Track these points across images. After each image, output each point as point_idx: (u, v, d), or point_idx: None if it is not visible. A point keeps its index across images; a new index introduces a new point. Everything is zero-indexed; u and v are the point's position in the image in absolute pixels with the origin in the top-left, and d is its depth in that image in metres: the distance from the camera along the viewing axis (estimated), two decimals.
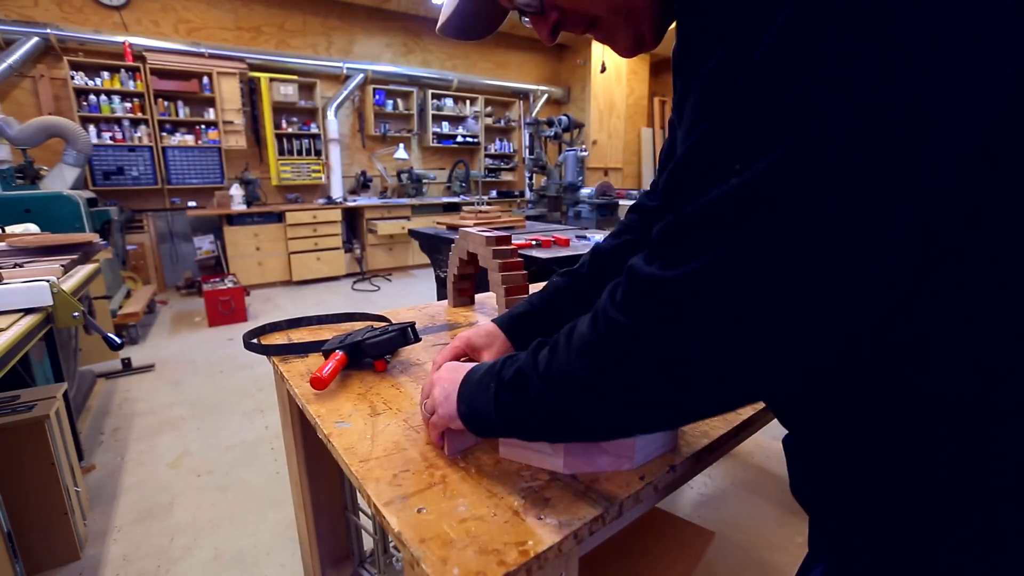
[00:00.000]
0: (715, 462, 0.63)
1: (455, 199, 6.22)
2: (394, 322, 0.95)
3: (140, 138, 4.62)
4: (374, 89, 5.83)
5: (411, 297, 4.83)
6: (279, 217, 5.06)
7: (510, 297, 0.96)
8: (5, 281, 1.22)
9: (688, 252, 0.33)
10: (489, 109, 6.93)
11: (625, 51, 0.49)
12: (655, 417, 0.40)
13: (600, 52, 6.98)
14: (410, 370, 0.83)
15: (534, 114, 7.25)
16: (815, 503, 0.46)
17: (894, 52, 0.26)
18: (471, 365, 0.58)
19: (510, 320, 0.76)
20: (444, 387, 0.57)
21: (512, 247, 1.02)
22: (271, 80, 5.13)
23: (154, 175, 4.70)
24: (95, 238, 1.90)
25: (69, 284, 1.43)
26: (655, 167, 8.15)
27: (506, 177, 7.28)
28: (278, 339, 0.99)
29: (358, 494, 1.14)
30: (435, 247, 2.79)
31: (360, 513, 1.16)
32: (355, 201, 5.73)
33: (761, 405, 0.71)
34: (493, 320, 0.77)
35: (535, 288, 1.41)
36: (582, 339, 0.41)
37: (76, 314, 1.26)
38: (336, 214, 5.38)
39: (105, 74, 4.45)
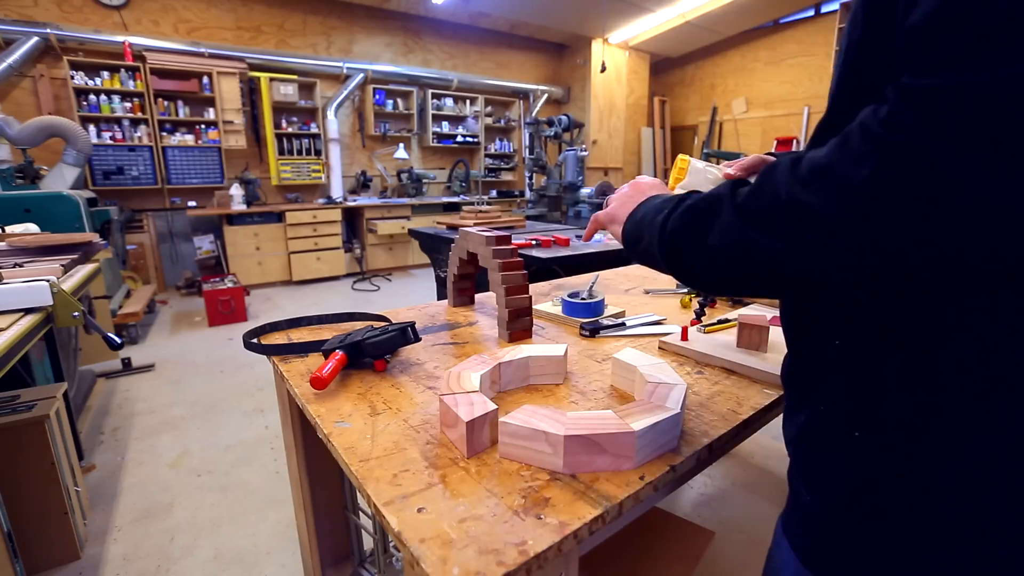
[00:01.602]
0: (715, 462, 0.63)
1: (455, 199, 6.22)
2: (394, 322, 0.95)
3: (140, 138, 4.62)
4: (374, 89, 5.83)
5: (411, 297, 4.83)
6: (279, 217, 5.06)
7: (510, 297, 0.96)
8: (5, 281, 1.22)
9: (1001, 53, 0.27)
10: (489, 109, 6.94)
11: None
12: (872, 260, 0.34)
13: (600, 52, 6.98)
14: (410, 370, 0.83)
15: (534, 114, 7.25)
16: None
17: None
18: (667, 193, 0.59)
19: None
20: (629, 194, 0.61)
21: (512, 247, 1.02)
22: (271, 80, 5.13)
23: (154, 175, 4.70)
24: (95, 238, 1.90)
25: (69, 284, 1.43)
26: (655, 166, 8.16)
27: (506, 177, 7.28)
28: (278, 339, 0.99)
29: (358, 494, 1.14)
30: (435, 247, 2.79)
31: (360, 513, 1.16)
32: (355, 201, 5.73)
33: (761, 405, 0.71)
34: None
35: (535, 288, 1.41)
36: (818, 163, 0.35)
37: (76, 314, 1.26)
38: (336, 214, 5.38)
39: (105, 74, 4.45)
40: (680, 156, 0.80)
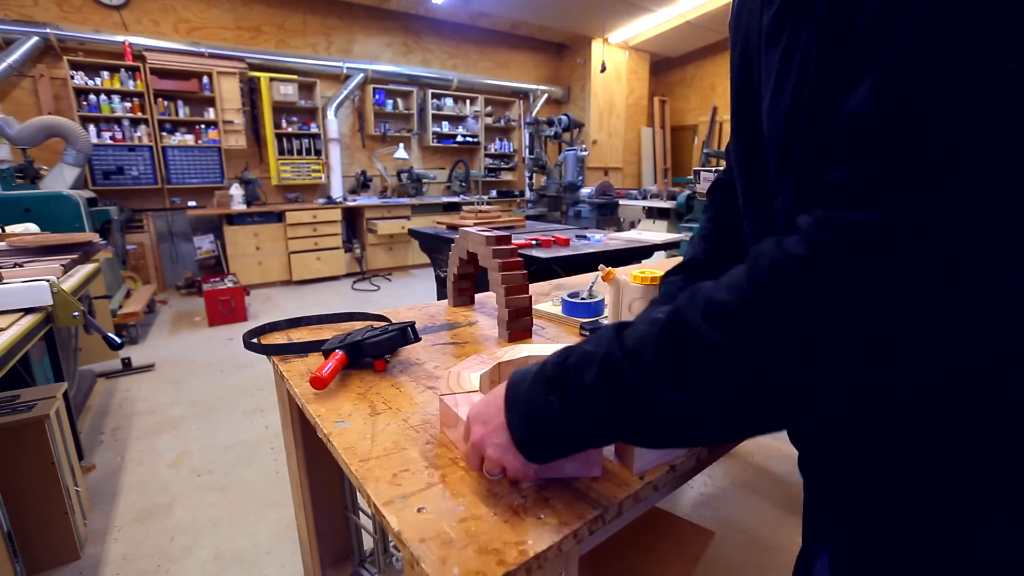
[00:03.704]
0: (715, 462, 0.63)
1: (455, 199, 6.22)
2: (394, 322, 0.95)
3: (140, 138, 4.62)
4: (374, 89, 5.83)
5: (411, 297, 4.83)
6: (279, 217, 5.06)
7: (510, 297, 0.96)
8: (5, 281, 1.22)
9: (923, 195, 0.27)
10: (489, 109, 6.93)
11: None
12: (808, 409, 0.34)
13: (600, 52, 6.98)
14: (410, 370, 0.83)
15: (534, 114, 7.25)
16: (828, 477, 0.46)
17: None
18: (500, 389, 0.49)
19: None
20: (485, 421, 0.49)
21: (512, 247, 1.02)
22: (271, 80, 5.13)
23: (154, 175, 4.70)
24: (95, 238, 1.90)
25: (69, 284, 1.43)
26: (655, 166, 8.15)
27: (506, 177, 7.28)
28: (278, 339, 0.99)
29: (358, 494, 1.14)
30: (435, 247, 2.79)
31: (360, 513, 1.16)
32: (355, 201, 5.73)
33: None
34: None
35: (535, 288, 1.41)
36: (727, 308, 0.33)
37: (76, 314, 1.26)
38: (336, 214, 5.38)
39: (105, 74, 4.45)
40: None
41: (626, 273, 0.89)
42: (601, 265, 0.90)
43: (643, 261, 2.38)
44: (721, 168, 1.37)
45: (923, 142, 0.27)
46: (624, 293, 0.93)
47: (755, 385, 0.33)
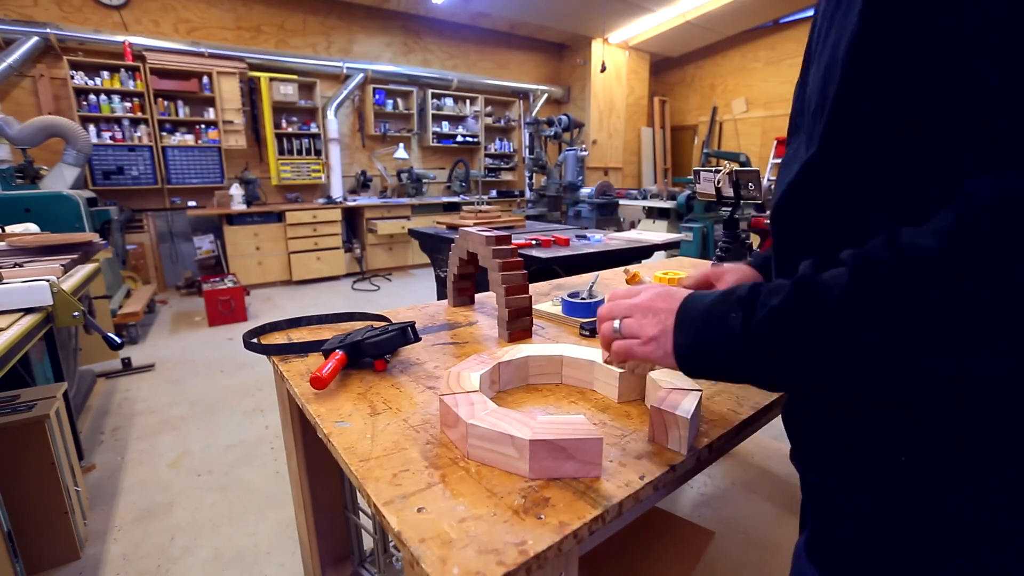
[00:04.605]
0: (715, 462, 0.63)
1: (455, 199, 6.22)
2: (394, 322, 0.95)
3: (140, 138, 4.62)
4: (374, 89, 5.83)
5: (411, 297, 4.83)
6: (279, 217, 5.06)
7: (510, 297, 0.96)
8: (5, 281, 1.22)
9: None
10: (489, 109, 6.93)
11: None
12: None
13: (600, 52, 6.98)
14: (410, 370, 0.83)
15: (534, 114, 7.25)
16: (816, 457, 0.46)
17: None
18: (685, 292, 0.48)
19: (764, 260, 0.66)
20: (652, 315, 0.49)
21: (512, 247, 1.02)
22: (271, 80, 5.13)
23: (154, 175, 4.70)
24: (95, 238, 1.90)
25: (69, 284, 1.43)
26: (655, 166, 8.15)
27: (506, 177, 7.28)
28: (278, 339, 0.99)
29: (358, 494, 1.14)
30: (435, 247, 2.80)
31: (360, 513, 1.16)
32: (355, 201, 5.73)
33: (761, 405, 0.71)
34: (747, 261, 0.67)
35: (535, 288, 1.41)
36: (940, 253, 0.32)
37: (76, 314, 1.26)
38: (336, 214, 5.38)
39: (105, 74, 4.45)
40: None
41: (649, 275, 0.87)
42: (626, 268, 0.87)
43: (642, 261, 2.38)
44: (720, 167, 1.36)
45: None
46: None
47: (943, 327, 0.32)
